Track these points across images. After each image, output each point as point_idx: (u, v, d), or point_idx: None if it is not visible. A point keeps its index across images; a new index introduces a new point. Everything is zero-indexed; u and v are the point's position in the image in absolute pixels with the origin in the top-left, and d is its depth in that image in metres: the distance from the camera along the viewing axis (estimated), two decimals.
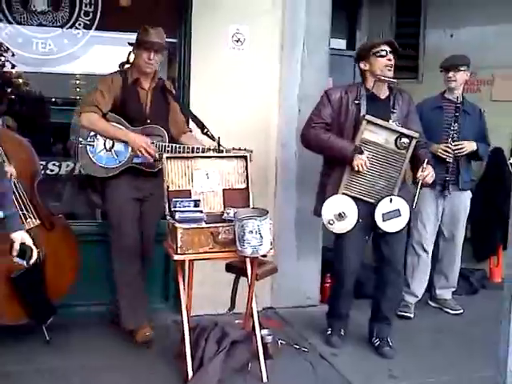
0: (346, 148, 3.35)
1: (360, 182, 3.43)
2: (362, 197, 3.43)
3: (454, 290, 4.37)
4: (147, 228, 3.57)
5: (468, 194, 4.24)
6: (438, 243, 4.31)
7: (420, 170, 3.42)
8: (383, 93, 3.51)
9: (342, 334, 3.64)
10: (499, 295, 4.70)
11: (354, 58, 3.66)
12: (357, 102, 3.44)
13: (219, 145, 3.33)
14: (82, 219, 4.11)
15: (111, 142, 3.45)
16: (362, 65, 3.50)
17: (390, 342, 3.54)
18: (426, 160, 3.45)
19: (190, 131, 3.68)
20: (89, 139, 3.44)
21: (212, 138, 3.40)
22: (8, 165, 3.15)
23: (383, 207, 3.40)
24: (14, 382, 3.00)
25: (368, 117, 3.36)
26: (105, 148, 3.46)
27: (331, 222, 3.42)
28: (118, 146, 3.44)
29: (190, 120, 3.62)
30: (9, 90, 4.13)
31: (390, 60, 3.42)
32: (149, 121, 3.51)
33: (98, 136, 3.44)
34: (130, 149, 3.42)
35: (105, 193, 3.53)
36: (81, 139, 3.44)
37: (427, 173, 3.41)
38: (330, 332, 3.64)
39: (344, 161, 3.37)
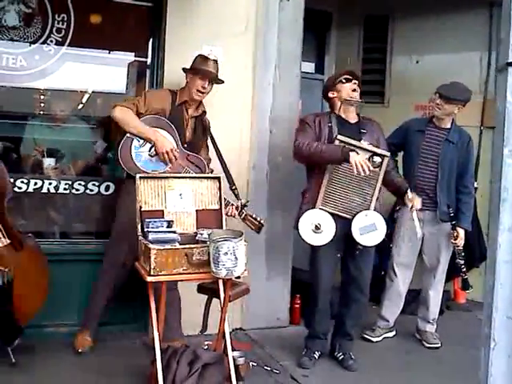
0: (338, 148, 3.42)
1: (336, 198, 3.52)
2: (338, 212, 3.50)
3: (432, 322, 4.20)
4: None
5: (448, 226, 4.04)
6: None
7: (407, 201, 3.66)
8: (352, 118, 3.66)
9: (316, 356, 3.66)
10: (464, 316, 4.87)
11: (322, 92, 3.78)
12: (329, 124, 3.56)
13: (242, 207, 3.55)
14: (51, 238, 4.03)
15: (156, 150, 3.51)
16: (330, 94, 3.67)
17: (352, 356, 3.65)
18: (408, 189, 3.67)
19: (212, 171, 3.72)
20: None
21: (237, 197, 3.58)
22: None
23: (359, 221, 3.47)
24: None
25: (340, 137, 3.48)
26: (149, 152, 3.52)
27: (311, 234, 3.46)
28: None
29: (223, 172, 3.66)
30: None
31: (355, 84, 3.60)
32: (185, 145, 3.61)
33: None
34: (169, 165, 3.52)
35: (118, 202, 3.64)
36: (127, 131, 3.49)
37: (415, 201, 3.67)
38: (303, 353, 3.67)
39: (337, 161, 3.43)
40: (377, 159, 3.49)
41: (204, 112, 3.76)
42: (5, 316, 3.17)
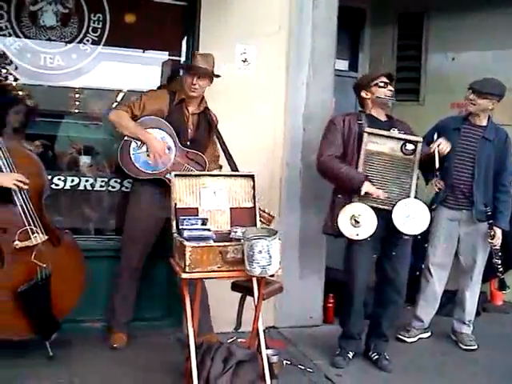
0: (356, 177, 3.42)
1: None
2: (378, 205, 3.46)
3: (468, 324, 4.12)
4: None
5: (485, 225, 3.94)
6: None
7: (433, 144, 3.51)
8: (383, 117, 3.66)
9: (350, 356, 3.64)
10: (501, 318, 4.77)
11: (353, 88, 3.75)
12: (359, 121, 3.55)
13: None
14: (87, 234, 4.10)
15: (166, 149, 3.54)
16: (363, 93, 3.65)
17: (386, 356, 3.61)
18: (437, 135, 3.55)
19: (220, 167, 3.74)
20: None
21: None
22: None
23: (400, 211, 3.42)
24: None
25: (368, 129, 3.49)
26: (147, 152, 3.54)
27: (351, 228, 3.42)
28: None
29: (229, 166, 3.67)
30: (16, 103, 4.12)
31: (389, 90, 3.60)
32: (188, 143, 3.62)
33: None
34: (169, 164, 3.54)
35: (129, 201, 3.68)
36: (122, 134, 3.55)
37: (439, 141, 3.50)
38: (337, 352, 3.65)
39: (353, 189, 3.43)
40: (410, 146, 3.48)
41: (206, 108, 3.72)
42: (42, 311, 3.22)
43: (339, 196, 3.54)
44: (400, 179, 3.50)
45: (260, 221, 3.47)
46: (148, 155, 3.54)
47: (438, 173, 3.56)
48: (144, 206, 3.57)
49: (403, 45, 5.69)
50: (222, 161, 3.78)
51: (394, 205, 3.44)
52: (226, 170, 3.68)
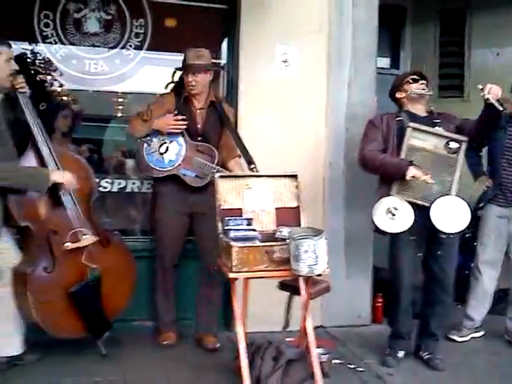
0: (400, 163, 3.38)
1: (413, 186, 3.41)
2: (416, 200, 3.40)
3: None
4: (207, 244, 3.59)
5: None
6: None
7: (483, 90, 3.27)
8: (422, 113, 3.60)
9: (400, 355, 3.58)
10: None
11: (389, 94, 3.72)
12: (398, 118, 3.52)
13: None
14: (134, 235, 4.17)
15: (165, 147, 3.60)
16: (397, 95, 3.63)
17: (437, 356, 3.55)
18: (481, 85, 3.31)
19: (239, 157, 3.73)
20: (147, 137, 3.61)
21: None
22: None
23: (438, 208, 3.35)
24: None
25: (412, 124, 3.44)
26: (158, 151, 3.60)
27: (386, 221, 3.38)
28: (170, 155, 3.60)
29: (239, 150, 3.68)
30: (62, 108, 4.22)
31: (422, 84, 3.55)
32: (200, 138, 3.64)
33: (154, 138, 3.61)
34: (180, 159, 3.57)
35: (152, 203, 3.74)
36: (140, 136, 3.62)
37: (488, 87, 3.24)
38: (387, 352, 3.60)
39: (398, 174, 3.38)
40: (454, 145, 3.41)
41: (212, 102, 3.72)
42: (94, 311, 3.27)
43: (381, 191, 3.50)
44: (441, 176, 3.43)
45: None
46: (160, 153, 3.60)
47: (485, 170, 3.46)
48: (166, 205, 3.62)
49: (445, 41, 5.60)
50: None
51: (433, 201, 3.37)
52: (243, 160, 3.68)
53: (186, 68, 3.62)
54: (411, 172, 3.33)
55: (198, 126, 3.67)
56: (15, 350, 3.23)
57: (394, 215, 3.36)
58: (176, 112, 3.60)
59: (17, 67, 3.08)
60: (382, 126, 3.52)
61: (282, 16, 4.08)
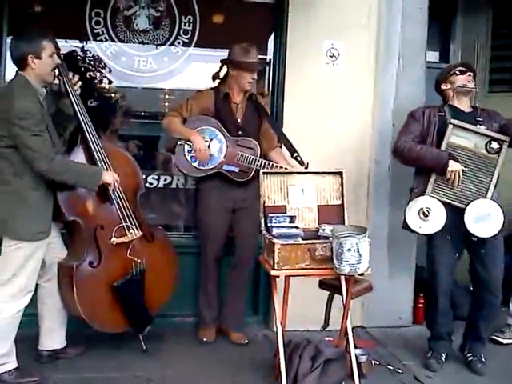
0: (440, 155, 3.32)
1: (448, 185, 3.35)
2: (450, 201, 3.34)
3: None
4: (245, 239, 3.63)
5: None
6: None
7: None
8: (467, 108, 3.52)
9: (443, 358, 3.53)
10: None
11: (434, 87, 3.65)
12: (440, 113, 3.45)
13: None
14: (178, 231, 4.24)
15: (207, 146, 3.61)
16: (443, 86, 3.56)
17: (483, 358, 3.49)
18: None
19: (280, 147, 3.75)
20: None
21: (301, 163, 3.51)
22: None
23: (473, 210, 3.28)
24: None
25: (454, 121, 3.36)
26: None
27: (417, 220, 3.35)
28: (212, 152, 3.61)
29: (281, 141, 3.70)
30: (111, 105, 4.31)
31: (470, 76, 3.47)
32: (240, 132, 3.67)
33: None
34: (222, 156, 3.60)
35: (196, 200, 3.77)
36: (181, 138, 3.63)
37: None
38: (429, 354, 3.55)
39: (436, 168, 3.32)
40: (495, 145, 3.33)
41: (251, 94, 3.73)
42: (137, 305, 3.34)
43: (415, 190, 3.45)
44: (478, 177, 3.35)
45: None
46: None
47: None
48: (210, 202, 3.66)
49: (498, 33, 5.40)
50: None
51: (468, 203, 3.30)
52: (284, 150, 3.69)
53: (247, 66, 3.61)
54: (452, 166, 3.27)
55: (238, 120, 3.70)
56: (58, 344, 3.34)
57: (426, 216, 3.32)
58: (215, 110, 3.65)
59: (59, 61, 3.12)
60: (422, 120, 3.47)
61: (329, 10, 4.04)
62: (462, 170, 3.32)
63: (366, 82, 4.16)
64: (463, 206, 3.32)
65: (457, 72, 3.48)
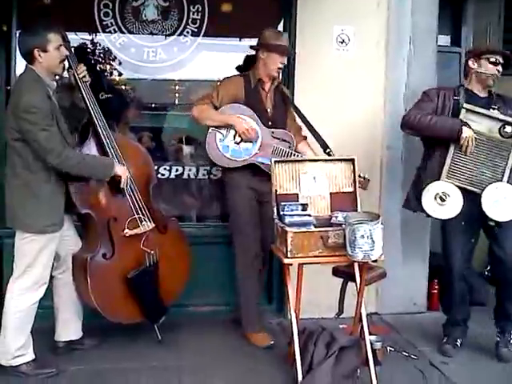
0: (453, 121, 3.28)
1: (463, 170, 3.35)
2: (466, 186, 3.33)
3: None
4: (267, 230, 3.60)
5: None
6: None
7: None
8: (483, 93, 3.48)
9: (458, 344, 3.52)
10: None
11: (465, 52, 3.64)
12: (455, 97, 3.41)
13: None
14: (190, 221, 4.25)
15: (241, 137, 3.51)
16: (470, 62, 3.48)
17: (510, 336, 3.43)
18: None
19: (305, 138, 3.70)
20: (220, 127, 3.53)
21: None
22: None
23: (489, 194, 3.26)
24: (130, 378, 3.13)
25: (467, 105, 3.33)
26: (234, 140, 3.52)
27: (434, 205, 3.33)
28: (246, 143, 3.51)
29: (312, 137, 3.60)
30: (122, 97, 4.32)
31: (498, 71, 3.42)
32: (270, 123, 3.58)
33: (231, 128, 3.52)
34: (257, 147, 3.51)
35: (226, 193, 3.65)
36: (212, 126, 3.53)
37: None
38: (444, 340, 3.54)
39: (449, 137, 3.29)
40: (509, 129, 3.30)
41: (279, 82, 3.66)
42: (151, 296, 3.36)
43: (426, 171, 3.44)
44: (493, 162, 3.33)
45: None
46: (236, 142, 3.52)
47: None
48: (243, 193, 3.56)
49: (511, 15, 5.33)
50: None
51: (484, 188, 3.27)
52: (311, 141, 3.65)
53: (279, 49, 3.51)
54: (466, 132, 3.23)
55: (268, 110, 3.60)
56: (74, 335, 3.37)
57: (443, 201, 3.30)
58: (245, 97, 3.53)
59: (67, 53, 3.12)
60: (436, 101, 3.43)
61: None
62: (476, 154, 3.29)
63: (377, 67, 4.13)
64: (479, 190, 3.30)
65: (491, 59, 3.40)
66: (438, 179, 3.35)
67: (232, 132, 3.51)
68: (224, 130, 3.52)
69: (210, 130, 3.52)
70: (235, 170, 3.55)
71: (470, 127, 3.27)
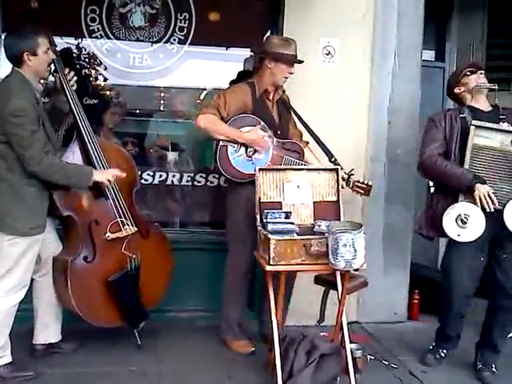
0: (465, 176, 3.20)
1: None
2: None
3: None
4: None
5: None
6: None
7: None
8: (486, 107, 3.43)
9: (442, 354, 3.49)
10: None
11: (447, 91, 3.58)
12: (462, 115, 3.35)
13: (349, 176, 3.44)
14: (173, 227, 4.25)
15: (253, 149, 3.44)
16: (456, 90, 3.47)
17: (493, 368, 3.36)
18: None
19: (307, 143, 3.68)
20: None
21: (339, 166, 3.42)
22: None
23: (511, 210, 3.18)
24: (108, 382, 3.10)
25: (475, 122, 3.25)
26: (246, 153, 3.45)
27: (455, 228, 3.21)
28: (260, 156, 3.45)
29: (317, 145, 3.60)
30: (107, 102, 4.31)
31: (481, 74, 3.41)
32: (279, 132, 3.53)
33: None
34: (268, 159, 3.45)
35: (229, 203, 3.57)
36: (223, 138, 3.41)
37: None
38: (430, 347, 3.52)
39: (460, 189, 3.22)
40: None
41: (284, 91, 3.61)
42: (132, 300, 3.34)
43: (443, 195, 3.34)
44: (510, 175, 3.24)
45: (360, 193, 3.46)
46: (248, 156, 3.44)
47: None
48: (246, 205, 3.41)
49: (494, 32, 5.42)
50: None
51: (505, 203, 3.18)
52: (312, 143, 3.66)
53: (286, 58, 3.42)
54: (479, 189, 3.14)
55: (276, 120, 3.54)
56: (53, 338, 3.34)
57: (464, 223, 3.19)
58: (252, 107, 3.44)
59: (54, 57, 3.12)
60: (444, 125, 3.36)
61: (325, 8, 4.05)
62: (493, 171, 3.24)
63: (362, 79, 4.17)
64: (500, 207, 3.19)
65: (467, 73, 3.41)
66: (456, 201, 3.25)
67: (243, 145, 3.44)
68: (236, 142, 3.42)
69: (221, 143, 3.41)
70: (246, 183, 3.43)
71: (484, 182, 3.17)
